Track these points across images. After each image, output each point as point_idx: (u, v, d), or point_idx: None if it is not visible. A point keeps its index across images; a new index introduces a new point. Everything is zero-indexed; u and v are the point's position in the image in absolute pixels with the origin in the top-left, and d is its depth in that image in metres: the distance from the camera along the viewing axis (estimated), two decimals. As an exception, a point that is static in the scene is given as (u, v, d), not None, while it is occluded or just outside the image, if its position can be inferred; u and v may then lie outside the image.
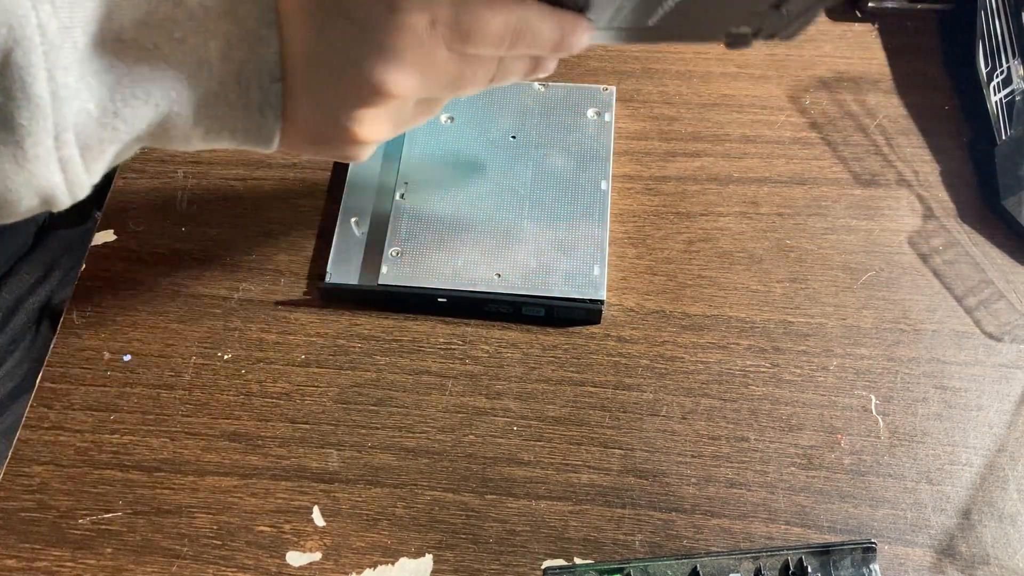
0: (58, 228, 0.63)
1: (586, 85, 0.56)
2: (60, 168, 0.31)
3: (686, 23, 0.36)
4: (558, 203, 0.51)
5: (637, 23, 0.37)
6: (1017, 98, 0.52)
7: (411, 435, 0.46)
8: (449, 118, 0.54)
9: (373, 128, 0.36)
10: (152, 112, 0.32)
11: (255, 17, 0.32)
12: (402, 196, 0.51)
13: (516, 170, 0.52)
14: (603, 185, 0.51)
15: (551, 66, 0.40)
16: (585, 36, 0.37)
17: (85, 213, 0.63)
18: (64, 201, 0.33)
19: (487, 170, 0.52)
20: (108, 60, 0.31)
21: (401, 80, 0.34)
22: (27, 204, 0.32)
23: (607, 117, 0.54)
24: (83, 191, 0.33)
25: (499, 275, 0.49)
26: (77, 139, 0.31)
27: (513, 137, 0.53)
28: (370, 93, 0.34)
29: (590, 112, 0.54)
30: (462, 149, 0.53)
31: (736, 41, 0.37)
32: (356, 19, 0.33)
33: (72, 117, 0.30)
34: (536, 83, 0.55)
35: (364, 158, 0.38)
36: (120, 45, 0.31)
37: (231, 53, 0.32)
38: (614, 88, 0.55)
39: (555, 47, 0.37)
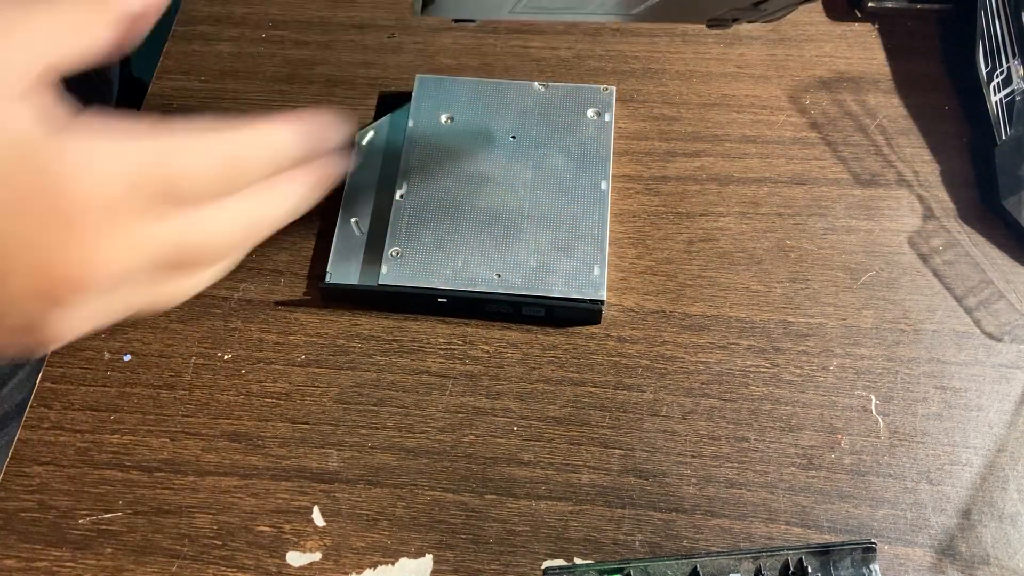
0: None
1: (586, 85, 0.56)
2: None
3: (668, 14, 0.37)
4: (558, 203, 0.51)
5: (619, 10, 0.37)
6: (1017, 98, 0.52)
7: (411, 435, 0.46)
8: (449, 118, 0.54)
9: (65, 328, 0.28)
10: None
11: None
12: (402, 196, 0.51)
13: (516, 170, 0.52)
14: (603, 185, 0.51)
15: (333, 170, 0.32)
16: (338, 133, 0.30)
17: None
18: None
19: (487, 170, 0.52)
20: None
21: (99, 266, 0.27)
22: None
23: (607, 117, 0.54)
24: None
25: (499, 275, 0.49)
26: None
27: (513, 137, 0.53)
28: (59, 290, 0.27)
29: (590, 112, 0.54)
30: (462, 149, 0.53)
31: (717, 24, 0.37)
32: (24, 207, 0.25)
33: None
34: (536, 83, 0.55)
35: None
36: None
37: None
38: (614, 88, 0.55)
39: (306, 151, 0.30)
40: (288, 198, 0.31)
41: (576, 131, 0.53)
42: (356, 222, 0.51)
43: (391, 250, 0.49)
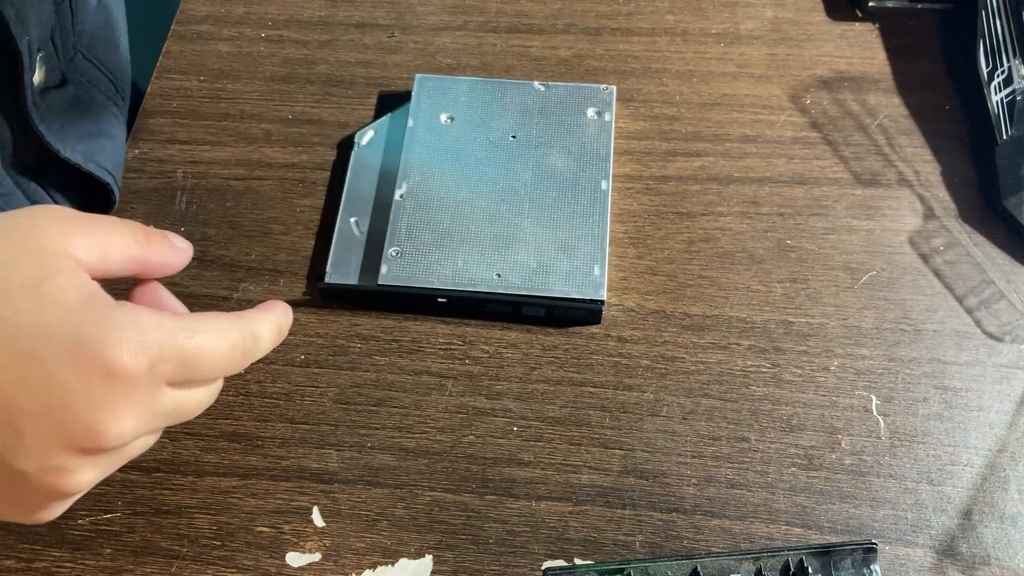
0: None
1: (586, 85, 0.56)
2: None
3: None
4: (558, 203, 0.51)
5: None
6: (1018, 98, 0.52)
7: (411, 435, 0.46)
8: (449, 118, 0.54)
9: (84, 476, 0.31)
10: None
11: None
12: (402, 196, 0.51)
13: (516, 170, 0.52)
14: (603, 185, 0.51)
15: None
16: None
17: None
18: None
19: (487, 170, 0.52)
20: None
21: (118, 428, 0.30)
22: None
23: (607, 117, 0.54)
24: None
25: (499, 275, 0.48)
26: None
27: (513, 137, 0.53)
28: (82, 442, 0.30)
29: (590, 112, 0.54)
30: (462, 149, 0.53)
31: None
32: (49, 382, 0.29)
33: None
34: (536, 83, 0.55)
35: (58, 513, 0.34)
36: None
37: None
38: (614, 88, 0.55)
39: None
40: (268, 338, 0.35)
41: (576, 131, 0.53)
42: (356, 222, 0.51)
43: (391, 250, 0.49)
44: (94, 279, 0.31)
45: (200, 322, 0.32)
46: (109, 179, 0.52)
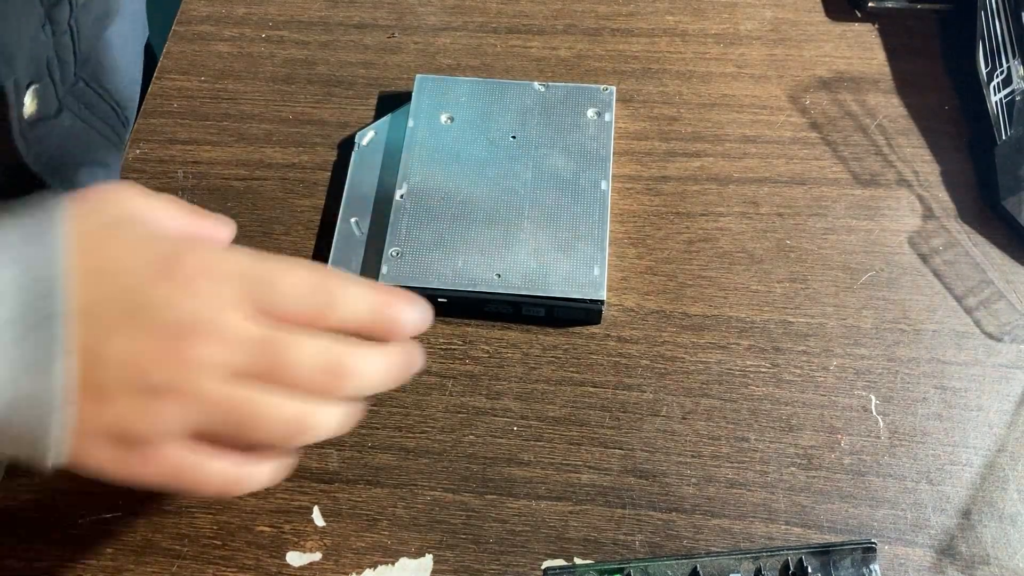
0: None
1: (586, 85, 0.56)
2: None
3: None
4: (558, 203, 0.51)
5: None
6: (1017, 98, 0.52)
7: (411, 435, 0.46)
8: (449, 118, 0.54)
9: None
10: None
11: (45, 345, 0.31)
12: (402, 196, 0.51)
13: (516, 170, 0.52)
14: (603, 185, 0.51)
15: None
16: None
17: None
18: None
19: (487, 170, 0.52)
20: None
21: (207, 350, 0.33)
22: None
23: (607, 117, 0.54)
24: None
25: (499, 275, 0.49)
26: None
27: (513, 137, 0.53)
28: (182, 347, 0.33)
29: (590, 112, 0.54)
30: (462, 149, 0.53)
31: None
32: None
33: None
34: (536, 83, 0.55)
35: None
36: None
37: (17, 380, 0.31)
38: (614, 88, 0.55)
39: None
40: (374, 363, 0.36)
41: (576, 131, 0.53)
42: (356, 222, 0.51)
43: (391, 250, 0.49)
44: None
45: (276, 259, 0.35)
46: None
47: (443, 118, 0.54)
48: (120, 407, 0.32)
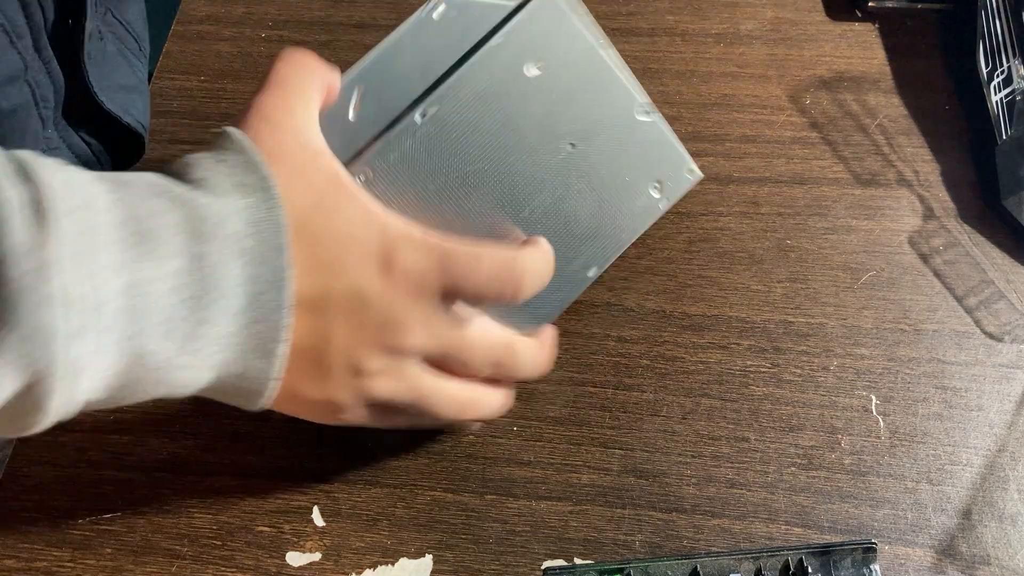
0: None
1: (586, 85, 0.55)
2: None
3: None
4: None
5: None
6: (1018, 98, 0.52)
7: (411, 435, 0.46)
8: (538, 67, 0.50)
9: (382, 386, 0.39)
10: (146, 398, 0.35)
11: (270, 334, 0.35)
12: (422, 117, 0.49)
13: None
14: (603, 185, 0.51)
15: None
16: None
17: None
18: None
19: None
20: (124, 379, 0.33)
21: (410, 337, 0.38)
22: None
23: (607, 117, 0.54)
24: None
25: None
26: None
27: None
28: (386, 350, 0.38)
29: (590, 112, 0.54)
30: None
31: None
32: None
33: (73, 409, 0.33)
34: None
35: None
36: (139, 366, 0.33)
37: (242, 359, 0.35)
38: (614, 88, 0.55)
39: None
40: (533, 356, 0.43)
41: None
42: (360, 96, 0.48)
43: (360, 176, 0.44)
44: None
45: (460, 244, 0.39)
46: (143, 132, 0.54)
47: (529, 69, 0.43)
48: (336, 384, 0.38)
